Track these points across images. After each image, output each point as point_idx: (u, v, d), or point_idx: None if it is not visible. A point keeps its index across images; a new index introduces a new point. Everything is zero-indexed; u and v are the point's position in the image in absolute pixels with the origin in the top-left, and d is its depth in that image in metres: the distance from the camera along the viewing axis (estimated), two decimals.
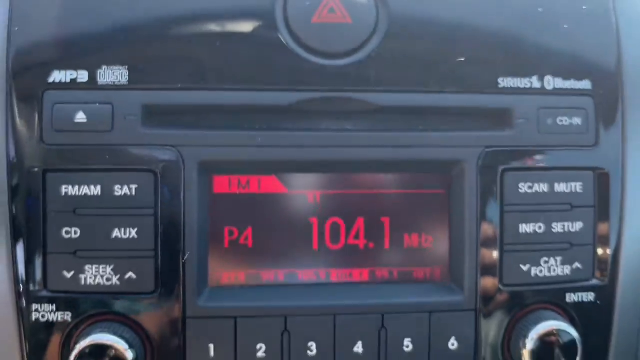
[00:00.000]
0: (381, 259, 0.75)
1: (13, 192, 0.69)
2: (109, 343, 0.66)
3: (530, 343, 0.72)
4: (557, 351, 0.73)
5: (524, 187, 0.74)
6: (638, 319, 0.79)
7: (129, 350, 0.67)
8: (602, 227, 0.76)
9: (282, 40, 0.71)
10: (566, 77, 0.75)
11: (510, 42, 0.76)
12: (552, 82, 0.75)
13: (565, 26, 0.76)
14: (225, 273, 0.73)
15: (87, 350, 0.66)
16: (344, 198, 0.74)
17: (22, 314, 0.69)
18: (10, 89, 0.69)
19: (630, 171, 0.77)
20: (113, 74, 0.69)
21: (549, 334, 0.72)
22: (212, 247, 0.73)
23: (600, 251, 0.76)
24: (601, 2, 0.78)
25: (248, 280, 0.73)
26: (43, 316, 0.69)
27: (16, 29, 0.69)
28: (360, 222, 0.74)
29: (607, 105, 0.77)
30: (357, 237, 0.74)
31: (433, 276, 0.76)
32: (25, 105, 0.69)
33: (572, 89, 0.76)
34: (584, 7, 0.77)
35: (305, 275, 0.74)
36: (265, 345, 0.70)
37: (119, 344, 0.66)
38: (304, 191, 0.74)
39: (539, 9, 0.76)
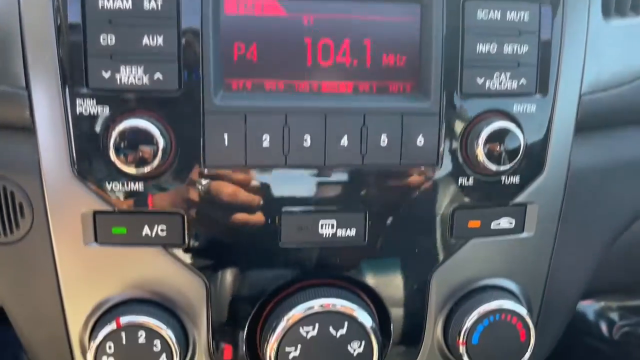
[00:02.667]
0: (363, 75, 0.81)
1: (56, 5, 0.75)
2: (142, 126, 0.75)
3: (482, 139, 0.81)
4: (504, 147, 0.82)
5: (480, 14, 0.81)
6: (571, 129, 0.89)
7: (160, 137, 0.75)
8: (545, 52, 0.83)
9: None
10: None
11: None
12: None
13: None
14: (234, 81, 0.79)
15: (123, 134, 0.75)
16: (334, 22, 0.79)
17: (68, 109, 0.76)
18: None
19: (568, 3, 0.84)
20: None
21: (499, 132, 0.81)
22: (223, 58, 0.78)
23: (542, 71, 0.84)
24: None
25: (254, 88, 0.80)
26: (85, 109, 0.76)
27: None
28: (346, 43, 0.80)
29: None
30: (344, 55, 0.80)
31: (405, 89, 0.82)
32: None
33: None
34: None
35: (301, 86, 0.80)
36: (270, 135, 0.79)
37: (150, 128, 0.75)
38: (300, 14, 0.79)
39: None
